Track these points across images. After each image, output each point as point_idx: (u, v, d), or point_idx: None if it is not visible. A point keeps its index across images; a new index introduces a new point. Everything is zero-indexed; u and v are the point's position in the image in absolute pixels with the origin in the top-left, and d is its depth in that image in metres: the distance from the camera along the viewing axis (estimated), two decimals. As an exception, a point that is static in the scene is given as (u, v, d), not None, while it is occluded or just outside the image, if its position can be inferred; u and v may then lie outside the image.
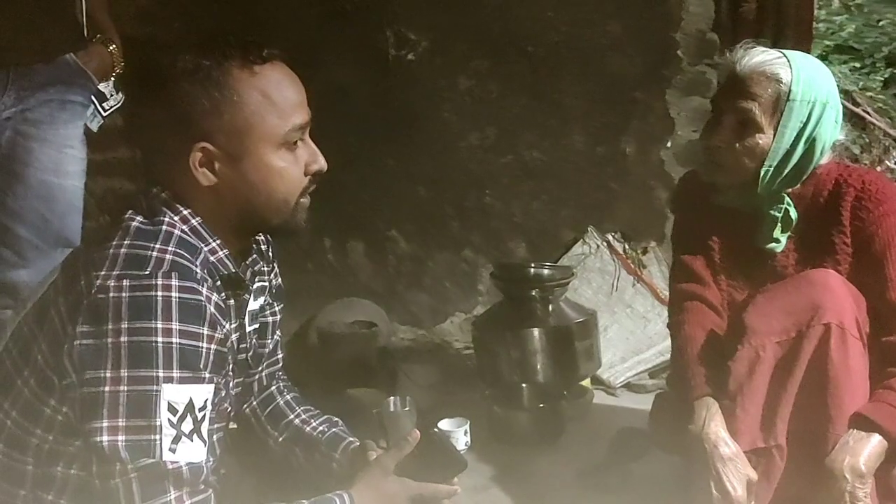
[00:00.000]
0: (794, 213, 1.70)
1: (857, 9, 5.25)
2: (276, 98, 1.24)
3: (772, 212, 1.70)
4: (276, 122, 1.25)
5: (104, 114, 2.02)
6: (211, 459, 1.20)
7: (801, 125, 1.64)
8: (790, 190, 1.71)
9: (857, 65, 4.90)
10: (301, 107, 1.28)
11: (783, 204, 1.69)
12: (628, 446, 2.01)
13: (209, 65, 1.21)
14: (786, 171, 1.67)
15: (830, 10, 5.14)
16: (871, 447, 1.47)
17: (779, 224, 1.70)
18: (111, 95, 2.01)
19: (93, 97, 1.98)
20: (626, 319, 2.74)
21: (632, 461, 1.97)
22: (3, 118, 1.85)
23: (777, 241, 1.71)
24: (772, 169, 1.66)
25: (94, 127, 2.00)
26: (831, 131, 1.67)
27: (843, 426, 1.50)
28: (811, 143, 1.65)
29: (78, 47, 1.93)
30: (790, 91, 1.62)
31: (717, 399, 1.57)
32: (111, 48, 1.99)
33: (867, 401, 1.53)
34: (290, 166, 1.28)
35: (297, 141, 1.28)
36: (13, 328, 1.32)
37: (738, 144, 1.66)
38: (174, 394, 1.14)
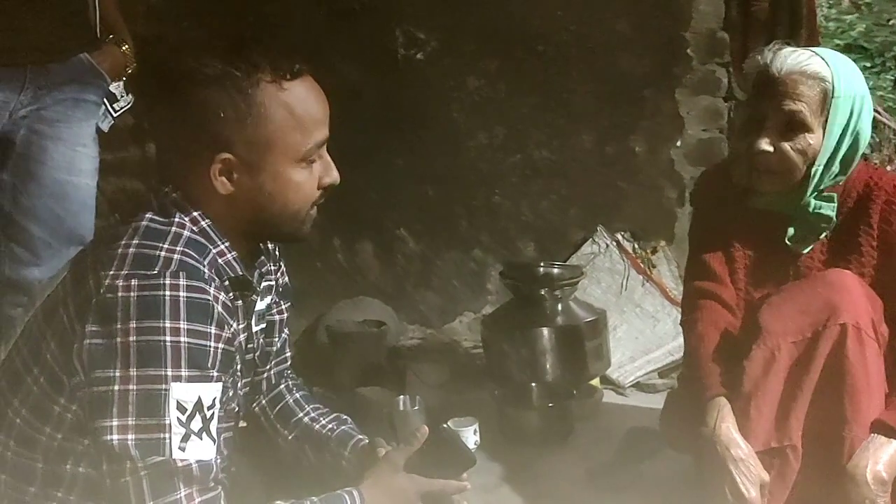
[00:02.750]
0: (833, 213, 1.68)
1: (867, 8, 5.24)
2: (300, 115, 1.24)
3: (822, 211, 1.68)
4: (299, 139, 1.25)
5: (115, 114, 2.03)
6: (219, 458, 1.20)
7: (846, 120, 1.63)
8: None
9: (867, 64, 4.89)
10: (323, 123, 1.28)
11: (834, 202, 1.68)
12: (638, 446, 2.00)
13: (238, 75, 1.20)
14: (833, 168, 1.66)
15: (840, 10, 5.12)
16: (892, 453, 1.46)
17: (828, 221, 1.68)
18: (121, 96, 2.03)
19: (104, 98, 1.99)
20: (636, 319, 2.73)
21: (641, 461, 1.97)
22: (19, 116, 1.86)
23: (811, 241, 1.70)
24: (821, 168, 1.64)
25: (105, 127, 2.02)
26: (869, 123, 1.67)
27: (860, 426, 1.49)
28: (856, 136, 1.65)
29: (91, 47, 1.95)
30: (834, 88, 1.61)
31: (731, 399, 1.56)
32: (124, 48, 2.00)
33: (884, 402, 1.53)
34: (306, 180, 1.28)
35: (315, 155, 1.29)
36: (23, 327, 1.32)
37: (788, 146, 1.63)
38: (183, 392, 1.14)
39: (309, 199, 1.30)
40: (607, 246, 2.85)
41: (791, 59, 1.63)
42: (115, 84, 2.01)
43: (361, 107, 2.83)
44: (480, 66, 2.87)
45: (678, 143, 2.80)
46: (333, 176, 1.32)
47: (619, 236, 2.86)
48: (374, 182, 2.92)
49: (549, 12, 2.79)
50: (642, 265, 2.82)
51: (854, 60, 1.73)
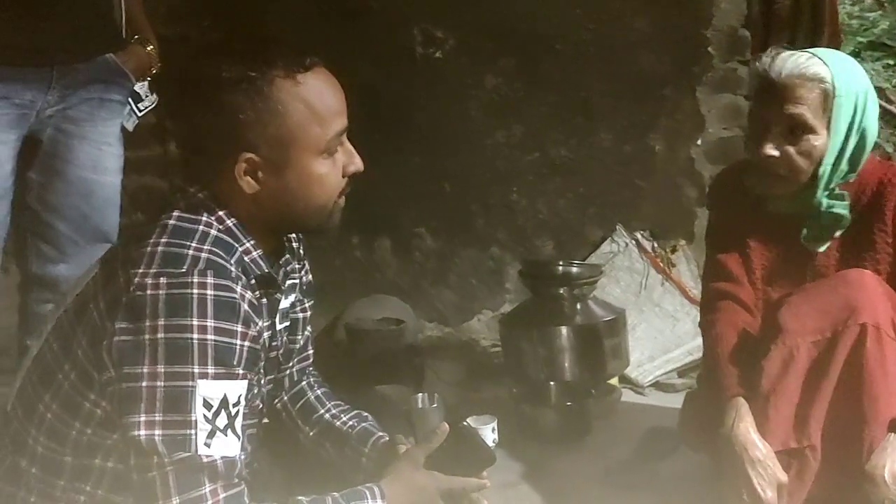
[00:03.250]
0: (847, 212, 1.69)
1: (891, 5, 5.17)
2: (318, 107, 1.26)
3: (834, 210, 1.68)
4: (319, 132, 1.27)
5: (139, 114, 2.05)
6: (243, 454, 1.22)
7: (850, 118, 1.64)
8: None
9: (891, 62, 4.82)
10: (341, 113, 1.30)
11: (847, 200, 1.68)
12: (656, 445, 2.01)
13: (254, 75, 1.22)
14: (841, 167, 1.67)
15: (864, 7, 5.06)
16: None
17: (841, 219, 1.68)
18: (146, 96, 2.05)
19: (129, 97, 2.01)
20: (655, 318, 2.73)
21: (659, 460, 1.97)
22: (45, 116, 1.88)
23: (826, 240, 1.70)
24: (829, 167, 1.65)
25: (130, 126, 2.04)
26: (875, 118, 1.68)
27: (879, 427, 1.49)
28: (862, 133, 1.66)
29: (117, 47, 1.97)
30: (834, 88, 1.62)
31: (750, 399, 1.56)
32: (149, 49, 2.02)
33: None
34: (330, 171, 1.30)
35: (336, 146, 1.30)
36: (53, 323, 1.35)
37: (793, 149, 1.64)
38: (209, 389, 1.16)
39: (335, 190, 1.32)
40: (626, 245, 2.85)
41: (789, 62, 1.63)
42: (139, 84, 2.03)
43: (379, 105, 2.85)
44: (498, 64, 2.87)
45: (699, 142, 2.79)
46: (357, 163, 1.33)
47: (638, 235, 2.86)
48: (391, 180, 2.92)
49: (568, 10, 2.79)
50: (662, 264, 2.81)
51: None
